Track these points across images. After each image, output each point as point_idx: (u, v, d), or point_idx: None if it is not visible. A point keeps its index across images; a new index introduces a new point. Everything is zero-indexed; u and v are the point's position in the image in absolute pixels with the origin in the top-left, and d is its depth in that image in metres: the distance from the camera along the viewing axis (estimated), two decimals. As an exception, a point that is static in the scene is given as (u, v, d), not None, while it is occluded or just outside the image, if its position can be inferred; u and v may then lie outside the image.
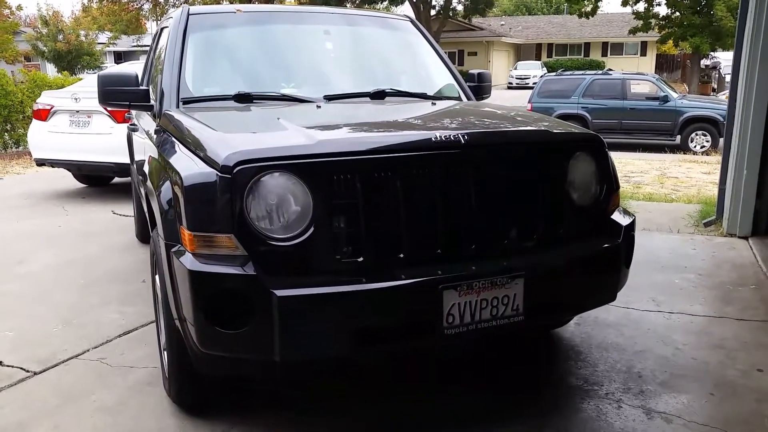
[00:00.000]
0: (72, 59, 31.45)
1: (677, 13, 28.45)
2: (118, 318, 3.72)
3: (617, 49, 45.84)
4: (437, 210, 2.19)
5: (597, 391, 2.75)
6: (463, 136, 2.25)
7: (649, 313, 3.63)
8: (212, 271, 2.01)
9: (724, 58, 35.46)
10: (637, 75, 16.19)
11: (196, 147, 2.34)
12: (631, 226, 2.64)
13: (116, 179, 8.28)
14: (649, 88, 14.85)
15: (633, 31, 30.34)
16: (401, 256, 2.16)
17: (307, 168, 2.09)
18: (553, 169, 2.42)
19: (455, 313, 2.12)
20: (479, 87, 3.83)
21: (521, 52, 48.25)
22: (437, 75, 3.72)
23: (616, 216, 2.65)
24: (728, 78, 26.41)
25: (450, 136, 2.24)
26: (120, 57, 44.11)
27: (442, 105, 3.17)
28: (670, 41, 31.78)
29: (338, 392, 2.83)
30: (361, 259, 2.12)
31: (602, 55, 45.66)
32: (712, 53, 31.41)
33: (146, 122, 3.65)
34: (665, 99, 14.36)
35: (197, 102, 3.08)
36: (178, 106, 3.05)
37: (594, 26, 44.44)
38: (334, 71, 3.48)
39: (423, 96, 3.39)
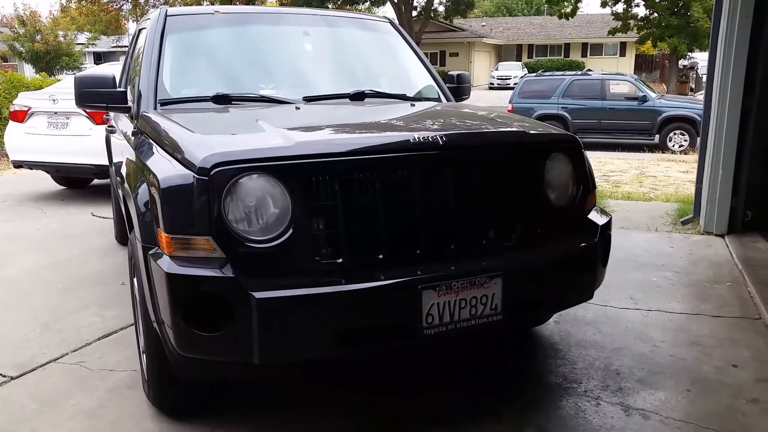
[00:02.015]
0: (50, 60, 31.00)
1: (655, 14, 28.79)
2: (98, 321, 3.68)
3: (597, 49, 46.29)
4: (416, 211, 2.21)
5: (576, 389, 2.78)
6: (441, 138, 2.26)
7: (627, 311, 3.68)
8: (190, 274, 2.00)
9: (701, 59, 35.96)
10: (616, 75, 16.38)
11: (173, 149, 2.33)
12: (608, 226, 2.67)
13: (95, 181, 8.19)
14: (628, 89, 15.03)
15: (612, 32, 30.61)
16: (381, 257, 2.16)
17: (285, 170, 2.09)
18: (530, 169, 2.45)
19: (434, 313, 2.13)
20: (458, 88, 3.85)
21: (502, 53, 48.54)
22: (416, 76, 3.74)
23: (593, 216, 2.69)
24: (705, 78, 26.80)
25: (428, 137, 2.25)
26: (100, 58, 43.62)
27: (421, 106, 3.18)
28: (649, 42, 32.11)
29: (317, 395, 2.83)
30: (340, 260, 2.12)
31: (582, 56, 46.08)
32: (689, 54, 31.83)
33: (124, 124, 3.62)
34: (644, 99, 14.55)
35: (175, 103, 3.07)
36: (155, 108, 3.04)
37: (574, 27, 44.82)
38: (314, 72, 3.48)
39: (402, 97, 3.40)
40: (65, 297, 4.13)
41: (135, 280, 2.60)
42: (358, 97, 3.22)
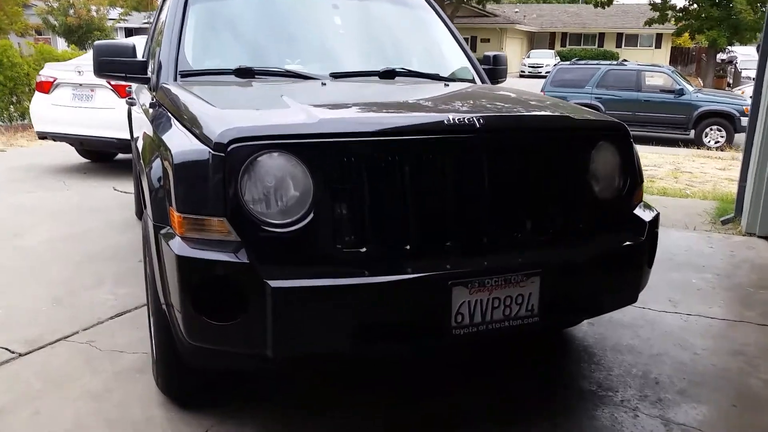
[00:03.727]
0: (82, 34, 31.17)
1: (695, 6, 27.91)
2: (111, 299, 3.58)
3: (632, 40, 45.26)
4: (448, 199, 2.02)
5: (612, 398, 2.59)
6: (477, 120, 2.07)
7: (666, 315, 3.46)
8: (202, 257, 1.84)
9: (741, 53, 34.88)
10: (653, 67, 15.87)
11: (190, 122, 2.17)
12: (655, 223, 2.46)
13: (119, 155, 8.13)
14: (665, 81, 14.58)
15: (649, 23, 29.83)
16: (407, 247, 1.99)
17: (307, 148, 1.92)
18: (573, 158, 2.24)
19: (464, 312, 1.95)
20: (494, 70, 3.63)
21: (534, 41, 47.69)
22: (451, 56, 3.52)
23: (639, 211, 2.48)
24: (744, 73, 25.79)
25: (464, 119, 2.06)
26: (131, 33, 43.77)
27: (455, 87, 2.98)
28: (686, 34, 31.19)
29: (337, 390, 2.67)
30: (363, 249, 1.95)
31: (616, 46, 45.08)
32: (729, 47, 30.86)
33: (143, 96, 3.48)
34: (681, 92, 14.09)
35: (196, 75, 2.91)
36: (175, 79, 2.88)
37: (609, 16, 43.80)
38: (342, 48, 3.28)
39: (435, 77, 3.19)
40: (80, 271, 4.04)
41: (146, 259, 2.46)
42: (389, 75, 3.02)
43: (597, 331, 3.22)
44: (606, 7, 29.83)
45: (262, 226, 1.89)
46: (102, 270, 4.05)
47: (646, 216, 2.45)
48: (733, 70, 31.05)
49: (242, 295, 1.83)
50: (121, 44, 3.11)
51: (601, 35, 46.19)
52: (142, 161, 2.53)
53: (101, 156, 8.08)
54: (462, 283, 1.93)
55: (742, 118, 13.48)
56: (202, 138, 1.98)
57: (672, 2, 28.54)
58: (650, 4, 28.63)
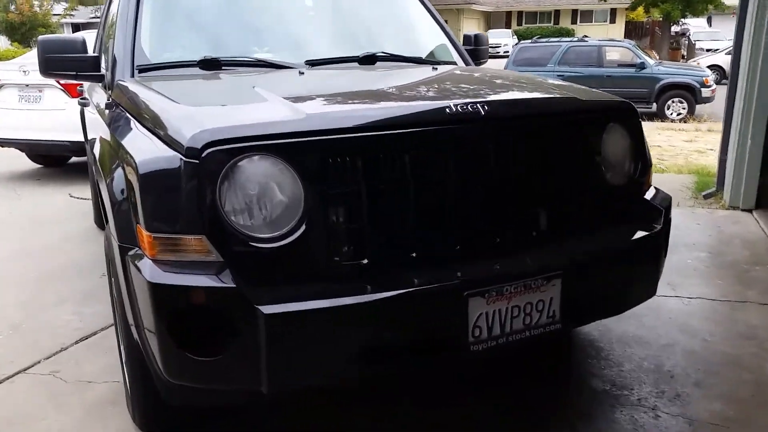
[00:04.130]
0: (26, 31, 29.90)
1: (648, -22, 28.18)
2: (75, 320, 3.26)
3: (587, 16, 45.58)
4: (454, 197, 1.80)
5: (628, 397, 2.42)
6: (482, 107, 1.84)
7: (668, 300, 3.32)
8: (179, 284, 1.58)
9: (694, 25, 35.53)
10: (614, 42, 15.92)
11: (155, 124, 1.90)
12: (669, 208, 2.28)
13: (74, 158, 7.67)
14: (626, 55, 14.61)
15: (604, -3, 30.01)
16: (413, 255, 1.76)
17: (296, 149, 1.66)
18: (585, 143, 2.04)
19: (482, 325, 1.74)
20: (477, 51, 3.42)
21: (491, 20, 47.66)
22: (431, 37, 3.28)
23: (650, 196, 2.30)
24: (698, 45, 26.01)
25: (467, 106, 1.83)
26: (78, 29, 42.21)
27: (444, 70, 2.75)
28: (640, 8, 31.49)
29: (334, 405, 2.44)
30: (365, 261, 1.72)
31: (572, 23, 45.35)
32: (682, 20, 31.25)
33: (97, 95, 3.15)
34: (642, 66, 14.14)
35: (156, 70, 2.61)
36: (132, 75, 2.58)
37: (567, -6, 44.04)
38: (316, 32, 3.01)
39: (418, 60, 2.96)
40: (39, 291, 3.69)
41: (112, 281, 2.18)
42: (369, 60, 2.77)
43: (600, 322, 3.05)
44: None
45: (248, 241, 1.63)
46: (63, 288, 3.72)
47: (659, 201, 2.28)
48: (687, 42, 31.53)
49: (230, 325, 1.58)
50: (70, 39, 2.78)
51: (557, 12, 46.43)
52: (101, 170, 2.24)
53: (54, 160, 7.61)
54: (479, 292, 1.72)
55: (702, 89, 13.63)
56: (171, 143, 1.71)
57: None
58: (605, -21, 28.76)
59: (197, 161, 1.61)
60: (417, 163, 1.75)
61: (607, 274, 2.00)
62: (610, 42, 15.72)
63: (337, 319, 1.62)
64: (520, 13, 47.50)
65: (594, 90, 2.36)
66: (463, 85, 2.35)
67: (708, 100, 13.72)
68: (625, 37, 39.86)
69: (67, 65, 2.72)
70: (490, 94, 2.10)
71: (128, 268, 1.74)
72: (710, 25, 38.48)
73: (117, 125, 2.23)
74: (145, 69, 2.60)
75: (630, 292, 2.10)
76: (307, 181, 1.66)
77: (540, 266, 1.82)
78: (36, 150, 7.09)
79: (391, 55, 2.86)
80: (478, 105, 1.84)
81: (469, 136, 1.83)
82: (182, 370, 1.64)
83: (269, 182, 1.66)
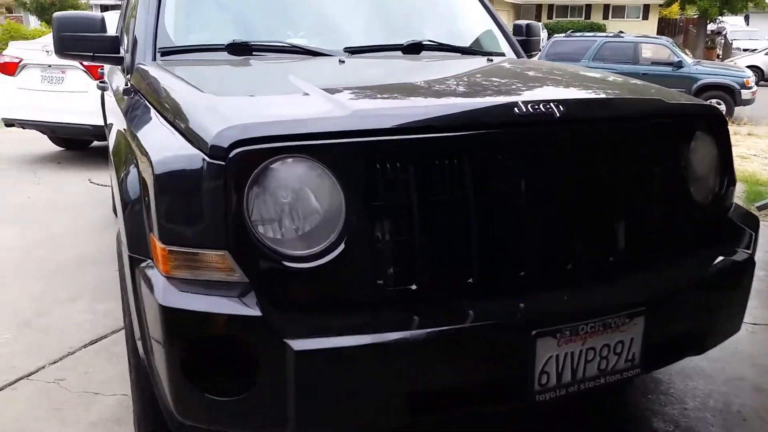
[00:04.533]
0: (56, 11, 30.00)
1: (687, -26, 27.35)
2: (87, 319, 3.06)
3: (619, 12, 44.55)
4: (520, 213, 1.52)
5: (698, 441, 2.14)
6: (556, 107, 1.56)
7: (730, 324, 3.00)
8: (196, 309, 1.33)
9: (731, 23, 34.50)
10: (651, 38, 15.40)
11: (176, 116, 1.65)
12: (757, 229, 1.98)
13: (95, 143, 7.50)
14: (663, 53, 14.13)
15: (639, -7, 29.21)
16: (470, 281, 1.49)
17: (338, 151, 1.40)
18: (671, 153, 1.75)
19: (551, 371, 1.46)
20: (528, 42, 3.12)
21: (521, 12, 46.83)
22: (479, 25, 2.99)
23: (734, 215, 2.00)
24: (735, 44, 25.27)
25: (539, 106, 1.55)
26: (106, 10, 42.39)
27: (501, 62, 2.46)
28: (676, 5, 30.62)
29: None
30: (413, 286, 1.45)
31: (603, 18, 44.37)
32: (719, 17, 30.31)
33: (117, 79, 2.92)
34: (679, 65, 13.66)
35: (180, 53, 2.36)
36: (154, 59, 2.34)
37: (595, -12, 43.07)
38: (355, 17, 2.74)
39: (468, 51, 2.68)
40: (52, 284, 3.49)
41: (122, 285, 1.93)
42: (414, 49, 2.49)
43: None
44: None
45: (279, 260, 1.38)
46: (77, 281, 3.52)
47: (745, 221, 1.98)
48: (722, 41, 30.62)
49: (253, 361, 1.32)
50: (87, 17, 2.55)
51: (588, 7, 45.45)
52: (113, 165, 2.00)
53: (76, 144, 7.45)
54: (549, 332, 1.44)
55: (742, 90, 13.12)
56: (193, 139, 1.46)
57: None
58: (641, -26, 27.98)
59: (222, 163, 1.35)
60: (478, 172, 1.48)
61: (694, 308, 1.71)
62: (646, 38, 15.19)
63: (379, 359, 1.36)
64: (550, 6, 46.60)
65: (680, 93, 2.06)
66: (527, 81, 2.06)
67: (748, 102, 13.22)
68: (657, 34, 39.06)
69: (84, 45, 2.49)
70: (563, 92, 1.81)
71: (138, 283, 1.50)
72: (747, 24, 37.37)
73: (134, 114, 1.99)
74: (168, 52, 2.36)
75: (717, 328, 1.81)
76: (350, 190, 1.40)
77: (621, 300, 1.54)
78: (57, 132, 6.94)
79: (439, 44, 2.57)
80: (552, 105, 1.56)
81: (541, 141, 1.56)
82: (195, 410, 1.39)
83: (306, 190, 1.40)
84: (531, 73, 2.19)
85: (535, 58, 3.16)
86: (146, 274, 1.46)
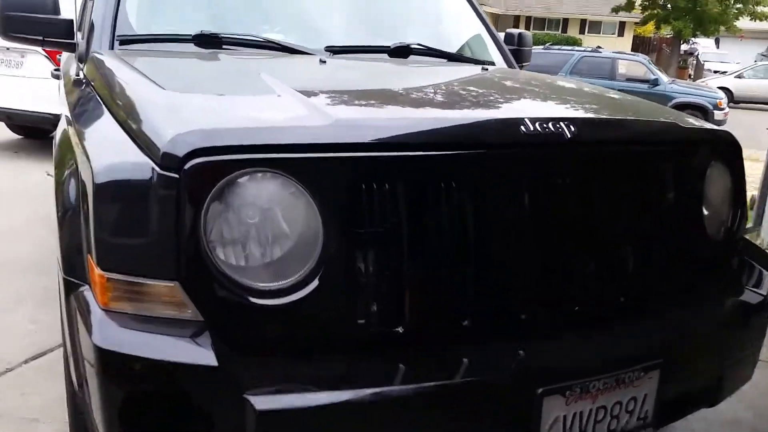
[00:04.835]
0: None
1: (662, -6, 27.86)
2: (30, 329, 2.76)
3: (595, 27, 45.16)
4: (521, 245, 1.32)
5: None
6: (567, 127, 1.36)
7: None
8: (137, 354, 1.09)
9: (703, 45, 35.23)
10: (628, 55, 15.54)
11: (127, 115, 1.41)
12: (768, 268, 1.82)
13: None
14: (640, 70, 14.24)
15: (616, 10, 29.68)
16: (465, 323, 1.28)
17: (317, 168, 1.18)
18: (686, 182, 1.57)
19: (558, 432, 1.26)
20: (519, 52, 2.93)
21: (499, 23, 47.14)
22: (470, 31, 2.79)
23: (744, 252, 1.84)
24: (706, 65, 25.78)
25: (547, 125, 1.35)
26: None
27: (497, 73, 2.27)
28: (650, 24, 31.11)
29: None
30: (400, 328, 1.24)
31: (580, 33, 44.91)
32: (692, 39, 30.89)
33: (70, 68, 2.64)
34: (655, 82, 13.78)
35: (141, 43, 2.11)
36: (112, 47, 2.08)
37: (574, 2, 43.57)
38: (338, 14, 2.52)
39: (460, 58, 2.48)
40: (-5, 284, 3.19)
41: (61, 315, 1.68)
42: (401, 52, 2.28)
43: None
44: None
45: (240, 294, 1.15)
46: (23, 284, 3.21)
47: (757, 259, 1.81)
48: (695, 62, 31.24)
49: (206, 419, 1.09)
50: (38, -5, 2.27)
51: (565, 21, 46.00)
52: (55, 167, 1.74)
53: (35, 132, 7.05)
54: (558, 389, 1.24)
55: (715, 111, 13.26)
56: (144, 144, 1.22)
57: (638, -11, 28.39)
58: (618, -9, 28.41)
59: (176, 175, 1.12)
60: (477, 197, 1.28)
61: (709, 357, 1.53)
62: (624, 55, 15.32)
63: (358, 420, 1.14)
64: (528, 19, 47.02)
65: (691, 116, 1.90)
66: (529, 96, 1.86)
67: (720, 123, 13.35)
68: (632, 51, 39.68)
69: (32, 27, 2.21)
70: (571, 111, 1.62)
71: (74, 312, 1.25)
72: (718, 47, 38.27)
73: (82, 109, 1.74)
74: (128, 41, 2.10)
75: (732, 377, 1.63)
76: (329, 213, 1.18)
77: (635, 351, 1.35)
78: (14, 120, 6.54)
79: (428, 48, 2.37)
80: (562, 124, 1.36)
81: (547, 165, 1.36)
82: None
83: (276, 211, 1.18)
84: (532, 87, 1.99)
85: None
86: (82, 303, 1.22)
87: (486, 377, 1.23)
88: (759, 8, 25.47)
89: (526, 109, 1.57)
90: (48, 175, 5.63)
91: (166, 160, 1.13)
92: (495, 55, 2.75)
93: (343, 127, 1.23)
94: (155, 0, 2.30)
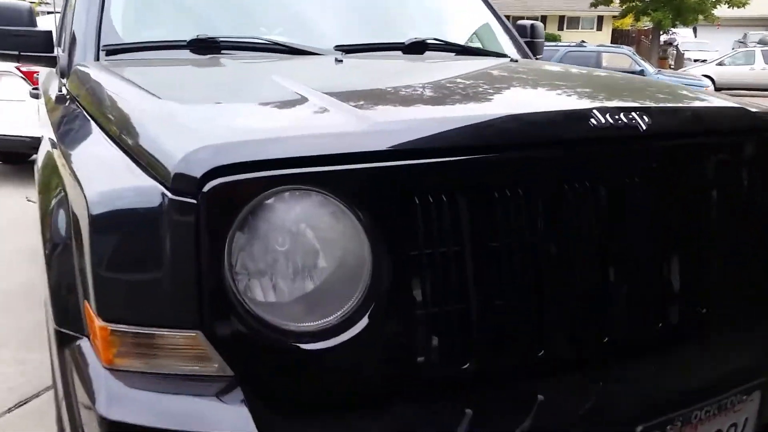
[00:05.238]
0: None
1: (639, -13, 28.03)
2: (14, 372, 2.52)
3: (574, 23, 45.38)
4: (602, 258, 1.13)
5: None
6: (640, 117, 1.17)
7: None
8: (155, 426, 0.88)
9: (681, 35, 35.46)
10: (613, 48, 15.52)
11: (122, 131, 1.19)
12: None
13: (35, 156, 6.84)
14: (625, 62, 14.22)
15: (594, 5, 29.81)
16: (541, 354, 1.08)
17: (361, 182, 0.98)
18: (759, 176, 1.38)
19: (660, 478, 1.06)
20: (533, 44, 2.75)
21: (478, 23, 47.24)
22: (483, 25, 2.60)
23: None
24: (686, 54, 25.98)
25: (620, 116, 1.15)
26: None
27: (530, 64, 2.07)
28: (629, 17, 31.23)
29: None
30: (466, 365, 1.03)
31: (558, 29, 45.08)
32: (671, 29, 31.03)
33: (51, 85, 2.42)
34: (642, 73, 13.69)
35: (130, 52, 1.89)
36: (97, 58, 1.86)
37: (552, -1, 43.79)
38: (342, 12, 2.30)
39: (479, 52, 2.29)
40: (-27, 326, 2.94)
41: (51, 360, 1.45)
42: (416, 48, 2.08)
43: None
44: (551, -12, 29.52)
45: (279, 339, 0.94)
46: (5, 322, 2.97)
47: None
48: (675, 52, 31.41)
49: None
50: (10, 5, 2.06)
51: (544, 18, 46.02)
52: (38, 194, 1.52)
53: (12, 157, 6.77)
54: (658, 425, 1.04)
55: (702, 100, 13.24)
56: (148, 164, 1.01)
57: (616, -17, 28.56)
58: (596, -14, 28.57)
59: (193, 200, 0.91)
60: (548, 203, 1.08)
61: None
62: (608, 48, 15.30)
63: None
64: (507, 17, 47.00)
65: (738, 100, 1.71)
66: (574, 86, 1.66)
67: (709, 110, 13.36)
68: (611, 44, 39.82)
69: (7, 41, 2.00)
70: (635, 100, 1.42)
71: (69, 372, 1.03)
72: (696, 36, 38.54)
73: (68, 128, 1.53)
74: (114, 50, 1.88)
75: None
76: (378, 234, 0.98)
77: (735, 371, 1.16)
78: (-9, 145, 6.27)
79: (446, 43, 2.17)
80: (634, 115, 1.17)
81: (625, 161, 1.17)
82: None
83: (315, 235, 0.97)
84: (573, 78, 1.79)
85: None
86: (80, 360, 1.00)
87: (574, 420, 1.02)
88: (736, -5, 25.69)
89: (585, 100, 1.38)
90: (29, 200, 5.38)
91: (179, 183, 0.92)
92: (510, 48, 2.55)
93: (391, 131, 1.02)
94: (142, 5, 2.08)
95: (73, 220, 1.09)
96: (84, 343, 1.02)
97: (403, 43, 2.06)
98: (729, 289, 1.26)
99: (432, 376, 1.03)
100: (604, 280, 1.11)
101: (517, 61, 2.09)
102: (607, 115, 1.14)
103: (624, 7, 29.52)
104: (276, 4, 2.22)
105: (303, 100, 1.22)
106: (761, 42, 26.60)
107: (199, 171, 0.91)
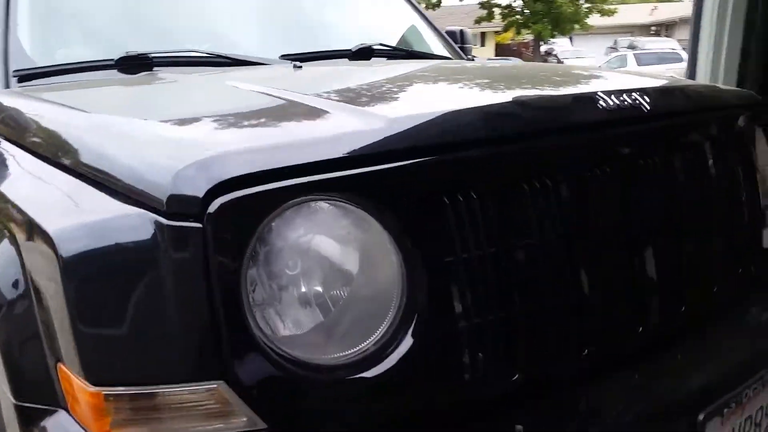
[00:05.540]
0: None
1: (519, 1, 29.66)
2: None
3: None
4: (632, 248, 1.07)
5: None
6: (642, 97, 1.12)
7: None
8: None
9: (559, 44, 37.79)
10: (502, 60, 16.21)
11: (77, 158, 1.00)
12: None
13: None
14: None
15: (478, 21, 31.16)
16: (585, 352, 1.00)
17: (384, 185, 0.86)
18: (745, 152, 1.39)
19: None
20: (463, 49, 2.73)
21: (369, 46, 48.14)
22: (418, 31, 2.55)
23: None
24: (566, 61, 27.63)
25: (624, 97, 1.10)
26: None
27: (493, 63, 2.03)
28: (510, 31, 32.94)
29: None
30: (515, 376, 0.93)
31: (445, 47, 46.80)
32: (551, 39, 33.00)
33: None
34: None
35: (47, 77, 1.65)
36: (7, 86, 1.61)
37: (436, 18, 45.11)
38: (274, 22, 2.16)
39: (424, 55, 2.22)
40: None
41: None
42: (363, 54, 1.97)
43: None
44: (435, 9, 30.62)
45: (314, 377, 0.80)
46: None
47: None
48: (555, 60, 33.41)
49: None
50: None
51: (430, 36, 47.84)
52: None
53: None
54: (716, 410, 0.99)
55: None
56: (127, 190, 0.83)
57: (495, 0, 30.08)
58: (480, 4, 29.93)
59: (196, 224, 0.74)
60: (580, 192, 1.01)
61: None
62: (500, 60, 15.98)
63: None
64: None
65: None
66: (555, 78, 1.60)
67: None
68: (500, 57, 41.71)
69: None
70: (630, 82, 1.38)
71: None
72: (572, 44, 41.23)
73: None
74: (28, 76, 1.64)
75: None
76: (409, 243, 0.86)
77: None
78: None
79: (393, 48, 2.08)
80: (636, 95, 1.12)
81: (632, 145, 1.12)
82: None
83: (339, 250, 0.84)
84: (546, 72, 1.75)
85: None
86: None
87: (633, 418, 0.95)
88: (605, 6, 27.77)
89: (583, 86, 1.33)
90: None
91: (176, 205, 0.75)
92: (448, 52, 2.52)
93: (407, 127, 0.90)
94: (56, 23, 1.83)
95: (30, 267, 0.88)
96: (61, 417, 0.82)
97: (350, 50, 1.96)
98: (752, 264, 1.25)
99: (480, 393, 0.91)
100: (641, 266, 1.05)
101: (474, 59, 2.04)
102: (613, 97, 1.09)
103: (506, 22, 31.09)
104: (201, 18, 2.04)
105: (294, 104, 1.07)
106: (630, 47, 28.78)
107: (202, 188, 0.75)
